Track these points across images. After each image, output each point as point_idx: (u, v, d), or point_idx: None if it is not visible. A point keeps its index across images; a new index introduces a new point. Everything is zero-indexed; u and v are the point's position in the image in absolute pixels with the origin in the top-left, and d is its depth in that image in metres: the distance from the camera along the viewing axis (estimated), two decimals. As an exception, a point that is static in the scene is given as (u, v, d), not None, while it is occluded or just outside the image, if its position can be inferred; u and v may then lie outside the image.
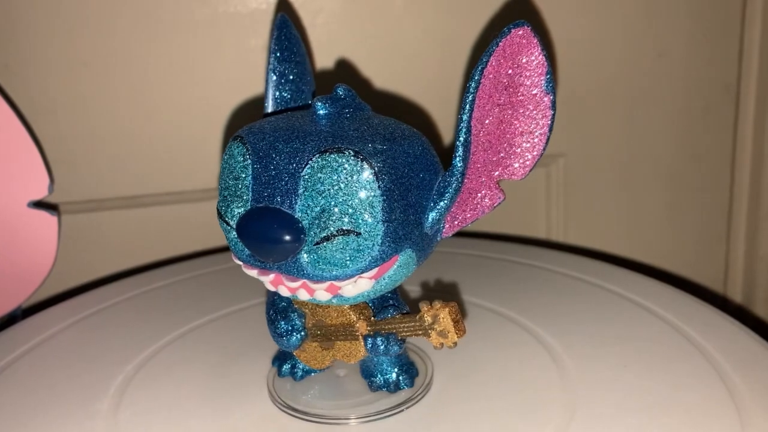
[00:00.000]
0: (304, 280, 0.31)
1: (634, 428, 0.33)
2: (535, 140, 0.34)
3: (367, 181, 0.30)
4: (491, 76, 0.32)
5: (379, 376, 0.37)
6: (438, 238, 0.34)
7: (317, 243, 0.30)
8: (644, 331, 0.43)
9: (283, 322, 0.36)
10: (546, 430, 0.34)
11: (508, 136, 0.34)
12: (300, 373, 0.39)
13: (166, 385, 0.40)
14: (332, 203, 0.30)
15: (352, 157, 0.30)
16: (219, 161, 0.58)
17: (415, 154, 0.32)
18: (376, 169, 0.30)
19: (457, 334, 0.33)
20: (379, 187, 0.30)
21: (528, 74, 0.33)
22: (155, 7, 0.54)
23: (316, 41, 0.57)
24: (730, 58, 0.65)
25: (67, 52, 0.54)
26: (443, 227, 0.34)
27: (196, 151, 0.58)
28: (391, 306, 0.35)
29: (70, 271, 0.59)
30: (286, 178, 0.31)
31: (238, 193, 0.32)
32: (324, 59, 0.58)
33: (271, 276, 0.32)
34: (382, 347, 0.34)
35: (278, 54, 0.39)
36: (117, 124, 0.57)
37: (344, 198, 0.30)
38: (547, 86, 0.33)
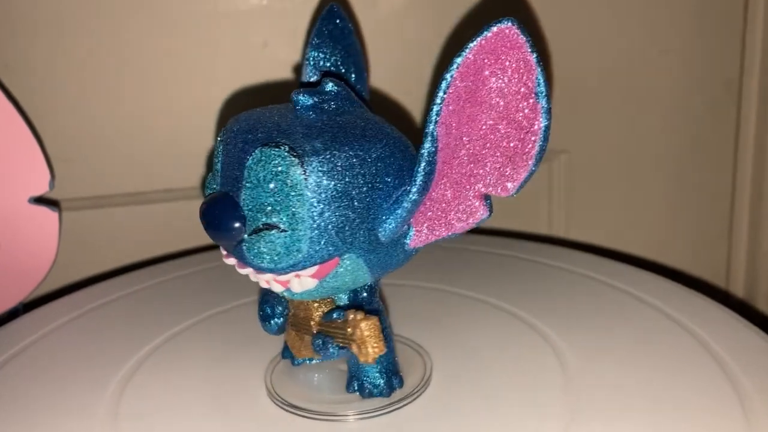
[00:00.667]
0: (251, 269, 0.31)
1: (637, 424, 0.33)
2: (525, 154, 0.31)
3: (296, 179, 0.29)
4: (468, 80, 0.29)
5: (354, 380, 0.37)
6: (406, 248, 0.33)
7: (250, 234, 0.30)
8: (646, 327, 0.43)
9: (265, 306, 0.37)
10: (548, 427, 0.33)
11: (493, 147, 0.31)
12: (297, 360, 0.39)
13: (167, 381, 0.40)
14: (263, 197, 0.30)
15: (285, 153, 0.30)
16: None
17: (374, 157, 0.31)
18: (308, 168, 0.29)
19: (372, 349, 0.32)
20: (307, 186, 0.29)
21: (515, 78, 0.30)
22: (156, 3, 0.54)
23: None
24: (733, 54, 0.65)
25: (68, 50, 0.54)
26: (411, 237, 0.33)
27: (197, 147, 0.58)
28: (342, 308, 0.35)
29: (71, 267, 0.59)
30: (237, 168, 0.31)
31: (212, 179, 0.33)
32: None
33: (231, 260, 0.33)
34: (318, 348, 0.34)
35: (314, 41, 0.38)
36: (118, 120, 0.57)
37: (273, 193, 0.30)
38: (538, 92, 0.30)
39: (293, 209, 0.30)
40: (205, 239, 0.61)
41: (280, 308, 0.37)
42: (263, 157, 0.30)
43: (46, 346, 0.44)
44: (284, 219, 0.30)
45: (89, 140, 0.57)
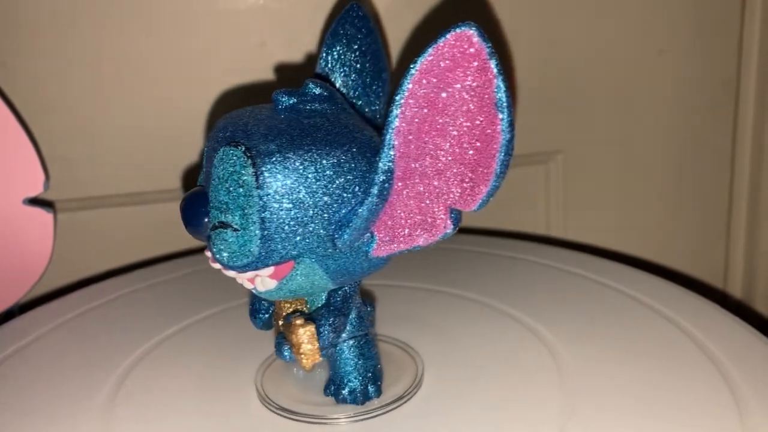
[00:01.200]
0: (219, 264, 0.32)
1: (633, 424, 0.33)
2: (486, 168, 0.30)
3: (247, 180, 0.29)
4: (427, 88, 0.28)
5: (332, 383, 0.37)
6: (369, 257, 0.32)
7: (211, 231, 0.31)
8: (643, 327, 0.42)
9: (254, 301, 0.37)
10: (543, 428, 0.33)
11: (455, 159, 0.30)
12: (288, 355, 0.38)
13: (161, 383, 0.39)
14: (222, 195, 0.30)
15: (240, 154, 0.30)
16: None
17: (332, 162, 0.30)
18: (260, 169, 0.29)
19: (305, 356, 0.32)
20: (258, 187, 0.29)
21: (473, 88, 0.28)
22: (153, 3, 0.54)
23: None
24: (730, 54, 0.65)
25: (63, 50, 0.54)
26: (373, 246, 0.32)
27: (193, 148, 0.58)
28: (301, 312, 0.35)
29: (66, 268, 0.59)
30: (210, 166, 0.31)
31: (201, 177, 0.33)
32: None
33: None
34: (276, 349, 0.34)
35: (328, 41, 0.38)
36: (113, 121, 0.57)
37: (228, 192, 0.30)
38: (498, 103, 0.28)
39: (244, 209, 0.30)
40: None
41: (266, 304, 0.37)
42: (223, 156, 0.30)
43: (42, 348, 0.44)
44: (236, 218, 0.30)
45: (84, 141, 0.57)
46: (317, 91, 0.32)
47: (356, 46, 0.38)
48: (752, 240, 0.68)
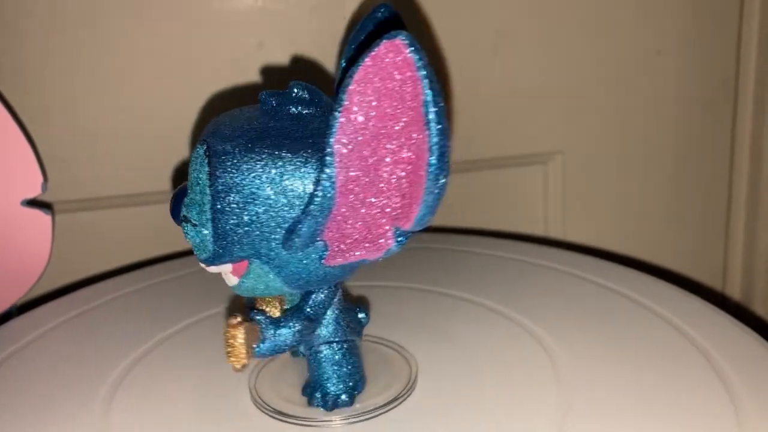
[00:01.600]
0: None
1: (629, 426, 0.33)
2: (418, 185, 0.28)
3: (202, 178, 0.30)
4: (361, 100, 0.27)
5: (308, 385, 0.37)
6: (324, 265, 0.31)
7: (182, 223, 0.32)
8: (641, 329, 0.42)
9: None
10: (540, 428, 0.33)
11: (390, 176, 0.29)
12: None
13: (158, 384, 0.39)
14: (190, 191, 0.32)
15: (201, 152, 0.31)
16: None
17: (286, 168, 0.30)
18: (213, 169, 0.30)
19: (227, 356, 0.31)
20: (210, 186, 0.30)
21: (405, 100, 0.27)
22: (150, 4, 0.54)
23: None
24: (728, 54, 0.65)
25: (61, 51, 0.54)
26: (325, 255, 0.31)
27: (190, 149, 0.58)
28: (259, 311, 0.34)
29: (65, 269, 0.59)
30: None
31: None
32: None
33: None
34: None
35: (351, 46, 0.36)
36: (111, 122, 0.57)
37: (191, 189, 0.31)
38: (427, 119, 0.26)
39: (201, 206, 0.31)
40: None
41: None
42: (193, 154, 0.31)
43: (40, 349, 0.44)
44: (194, 214, 0.31)
45: (82, 142, 0.57)
46: (300, 93, 0.32)
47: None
48: (751, 241, 0.68)
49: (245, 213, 0.30)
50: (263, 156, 0.30)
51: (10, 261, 0.53)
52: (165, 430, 0.35)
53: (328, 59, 0.58)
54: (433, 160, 0.27)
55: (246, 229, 0.30)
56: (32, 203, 0.53)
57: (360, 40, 0.36)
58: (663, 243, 0.70)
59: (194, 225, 0.31)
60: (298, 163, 0.30)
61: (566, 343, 0.41)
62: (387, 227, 0.30)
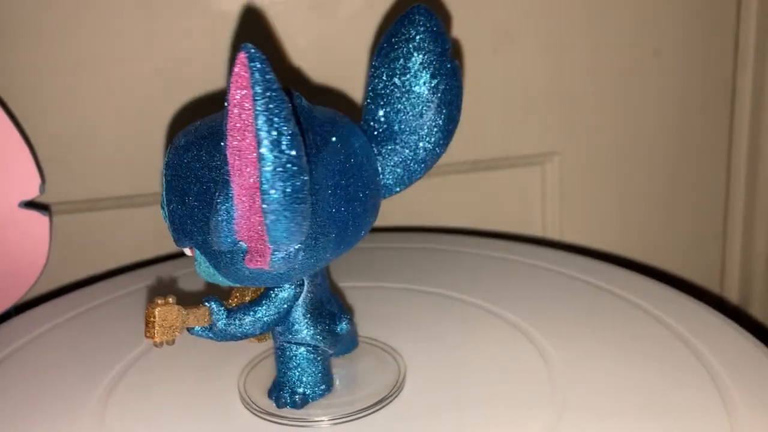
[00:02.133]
0: None
1: (623, 428, 0.33)
2: (260, 226, 0.28)
3: (163, 166, 0.32)
4: (235, 106, 0.27)
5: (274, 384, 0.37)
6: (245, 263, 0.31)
7: None
8: (638, 330, 0.42)
9: None
10: (532, 429, 0.33)
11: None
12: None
13: (156, 384, 0.40)
14: None
15: (172, 144, 0.32)
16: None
17: (210, 161, 0.30)
18: (167, 158, 0.32)
19: (147, 333, 0.32)
20: (164, 175, 0.32)
21: (249, 115, 0.26)
22: (148, 5, 0.55)
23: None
24: (726, 55, 0.65)
25: (58, 51, 0.54)
26: (244, 257, 0.31)
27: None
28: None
29: (62, 270, 0.59)
30: None
31: None
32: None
33: None
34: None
35: (383, 46, 0.36)
36: (109, 123, 0.57)
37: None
38: (259, 139, 0.26)
39: (162, 192, 0.33)
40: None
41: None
42: None
43: (37, 350, 0.45)
44: (161, 198, 0.33)
45: (80, 143, 0.57)
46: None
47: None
48: (748, 243, 0.68)
49: (181, 202, 0.31)
50: (202, 151, 0.31)
51: (8, 262, 0.53)
52: (160, 430, 0.36)
53: (325, 60, 0.58)
54: (265, 195, 0.27)
55: (183, 216, 0.31)
56: (30, 205, 0.53)
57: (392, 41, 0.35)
58: (660, 244, 0.69)
59: (162, 207, 0.33)
60: (223, 160, 0.29)
61: (561, 344, 0.41)
62: (265, 245, 0.29)
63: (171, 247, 0.61)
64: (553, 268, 0.52)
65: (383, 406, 0.36)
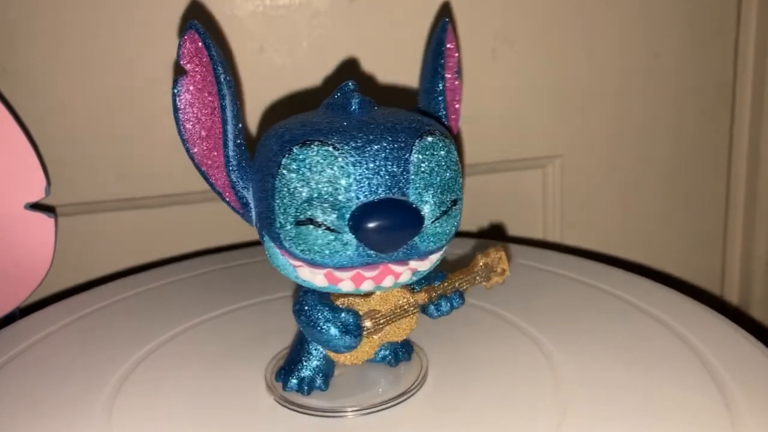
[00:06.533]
0: (410, 261, 0.33)
1: (626, 429, 0.33)
2: (454, 117, 0.38)
3: (454, 154, 0.33)
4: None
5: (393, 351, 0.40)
6: None
7: (435, 220, 0.32)
8: (639, 332, 0.43)
9: (339, 323, 0.35)
10: (539, 427, 0.34)
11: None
12: (321, 381, 0.37)
13: (163, 384, 0.40)
14: (440, 179, 0.32)
15: (441, 136, 0.33)
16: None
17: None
18: (455, 146, 0.33)
19: (509, 270, 0.37)
20: (459, 161, 0.34)
21: (450, 63, 0.37)
22: (153, 9, 0.55)
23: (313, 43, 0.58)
24: (726, 58, 0.65)
25: (64, 54, 0.55)
26: None
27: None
28: (431, 272, 0.37)
29: (67, 272, 0.59)
30: (393, 167, 0.31)
31: (335, 194, 0.31)
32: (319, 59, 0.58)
33: (376, 270, 0.33)
34: (446, 307, 0.37)
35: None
36: (114, 126, 0.57)
37: (446, 173, 0.33)
38: (459, 74, 0.35)
39: (458, 183, 0.34)
40: (200, 245, 0.61)
41: (354, 321, 0.35)
42: (428, 146, 0.33)
43: (43, 351, 0.44)
44: (459, 192, 0.34)
45: (85, 146, 0.57)
46: (357, 88, 0.35)
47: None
48: (749, 245, 0.69)
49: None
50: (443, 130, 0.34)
51: (14, 264, 0.53)
52: (176, 421, 0.36)
53: (328, 65, 0.58)
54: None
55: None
56: (35, 206, 0.53)
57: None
58: (660, 247, 0.70)
59: (459, 201, 0.34)
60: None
61: (564, 345, 0.41)
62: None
63: (175, 249, 0.61)
64: (555, 270, 0.52)
65: (406, 399, 0.37)
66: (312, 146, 0.31)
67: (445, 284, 0.36)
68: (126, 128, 0.57)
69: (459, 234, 0.65)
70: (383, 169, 0.31)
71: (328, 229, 0.31)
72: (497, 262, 0.36)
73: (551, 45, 0.62)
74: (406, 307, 0.36)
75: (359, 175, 0.31)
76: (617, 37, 0.63)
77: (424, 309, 0.37)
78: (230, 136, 0.36)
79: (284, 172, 0.31)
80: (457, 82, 0.41)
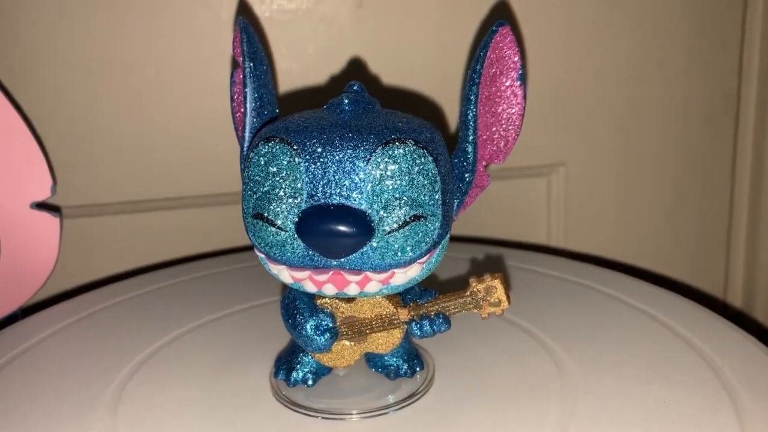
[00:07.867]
0: (366, 272, 0.32)
1: (632, 431, 0.33)
2: (512, 127, 0.36)
3: (429, 167, 0.31)
4: (484, 71, 0.35)
5: (396, 362, 0.38)
6: None
7: (389, 232, 0.31)
8: (644, 336, 0.43)
9: (312, 323, 0.35)
10: (546, 430, 0.34)
11: (491, 125, 0.36)
12: (312, 378, 0.38)
13: (165, 385, 0.40)
14: (400, 191, 0.31)
15: (413, 146, 0.31)
16: (220, 166, 0.58)
17: (444, 143, 0.34)
18: (434, 155, 0.32)
19: (507, 302, 0.34)
20: (438, 172, 0.32)
21: (506, 69, 0.35)
22: (160, 10, 0.55)
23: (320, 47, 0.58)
24: (731, 67, 0.65)
25: (71, 55, 0.55)
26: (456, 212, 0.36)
27: (198, 156, 0.59)
28: (424, 290, 0.36)
29: (71, 272, 0.59)
30: (349, 173, 0.31)
31: (287, 193, 0.31)
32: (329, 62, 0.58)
33: (327, 274, 0.32)
34: (429, 329, 0.35)
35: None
36: (120, 128, 0.57)
37: (412, 185, 0.31)
38: (520, 79, 0.35)
39: (430, 196, 0.33)
40: (204, 247, 0.61)
41: (329, 322, 0.35)
42: (391, 154, 0.32)
43: (45, 351, 0.44)
44: (426, 207, 0.32)
45: (89, 148, 0.57)
46: (363, 91, 0.35)
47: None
48: (752, 251, 0.69)
49: (449, 190, 0.34)
50: (440, 138, 0.34)
51: (18, 263, 0.53)
52: (181, 422, 0.36)
53: (334, 70, 0.58)
54: (524, 107, 0.36)
55: (450, 204, 0.34)
56: (41, 206, 0.53)
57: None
58: (665, 252, 0.70)
59: (426, 218, 0.32)
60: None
61: (571, 349, 0.41)
62: (483, 168, 0.37)
63: (178, 251, 0.61)
64: (560, 275, 0.52)
65: (411, 403, 0.37)
66: (273, 143, 0.32)
67: (430, 304, 0.35)
68: (133, 131, 0.57)
69: (464, 240, 0.65)
70: (339, 173, 0.31)
71: (277, 226, 0.31)
72: (492, 292, 0.34)
73: (556, 53, 0.62)
74: (388, 319, 0.35)
75: (313, 176, 0.31)
76: (622, 46, 0.63)
77: (410, 324, 0.36)
78: (247, 126, 0.36)
79: (250, 165, 0.32)
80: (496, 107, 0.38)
